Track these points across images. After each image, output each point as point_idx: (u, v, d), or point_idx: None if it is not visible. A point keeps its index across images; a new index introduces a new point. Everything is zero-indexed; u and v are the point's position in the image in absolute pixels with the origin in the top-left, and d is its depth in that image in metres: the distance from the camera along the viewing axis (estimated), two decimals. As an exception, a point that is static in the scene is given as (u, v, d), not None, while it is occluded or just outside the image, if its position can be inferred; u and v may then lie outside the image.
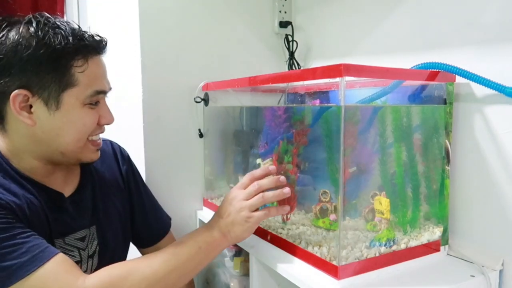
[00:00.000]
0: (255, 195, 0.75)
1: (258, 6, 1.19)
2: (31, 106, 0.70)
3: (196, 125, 1.11)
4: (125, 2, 1.11)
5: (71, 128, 0.73)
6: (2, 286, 0.63)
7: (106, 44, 0.77)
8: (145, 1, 1.02)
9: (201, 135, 1.12)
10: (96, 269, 0.83)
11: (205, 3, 1.11)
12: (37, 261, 0.65)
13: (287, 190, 0.75)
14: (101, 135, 0.89)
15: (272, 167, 0.79)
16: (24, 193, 0.73)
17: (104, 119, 0.78)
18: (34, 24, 0.69)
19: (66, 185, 0.82)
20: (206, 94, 1.08)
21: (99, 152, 0.81)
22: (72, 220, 0.79)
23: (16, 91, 0.68)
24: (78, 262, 0.79)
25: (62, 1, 1.88)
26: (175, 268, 0.70)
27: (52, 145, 0.74)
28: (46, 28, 0.69)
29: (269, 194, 0.75)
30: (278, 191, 0.75)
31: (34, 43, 0.68)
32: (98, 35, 0.76)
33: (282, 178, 0.76)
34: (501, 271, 0.72)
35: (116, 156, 0.93)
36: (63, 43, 0.69)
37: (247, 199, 0.75)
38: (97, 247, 0.84)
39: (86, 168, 0.86)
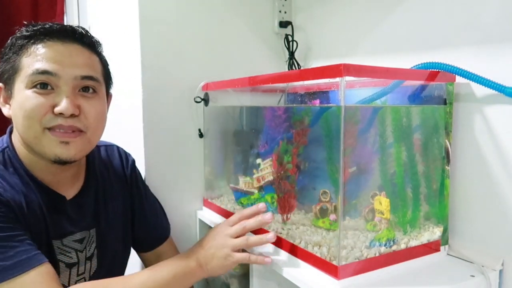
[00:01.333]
0: (241, 234, 0.76)
1: (258, 6, 1.19)
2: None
3: (196, 125, 1.11)
4: (125, 2, 1.11)
5: (19, 114, 0.71)
6: None
7: (70, 31, 0.75)
8: (145, 1, 1.02)
9: (201, 135, 1.12)
10: (95, 272, 0.83)
11: (205, 3, 1.11)
12: (20, 267, 0.65)
13: (269, 217, 0.75)
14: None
15: (262, 205, 0.78)
16: (27, 192, 0.73)
17: (57, 107, 0.71)
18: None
19: (71, 187, 0.82)
20: (206, 94, 1.08)
21: (69, 148, 0.73)
22: (71, 222, 0.79)
23: None
24: (75, 264, 0.80)
25: (62, 1, 1.87)
26: None
27: (20, 136, 0.75)
28: (24, 28, 0.75)
29: (254, 239, 0.75)
30: (261, 237, 0.75)
31: (8, 42, 0.75)
32: (68, 25, 0.76)
33: (267, 216, 0.75)
34: (501, 271, 0.72)
35: (122, 161, 0.94)
36: (17, 35, 0.74)
37: (232, 237, 0.75)
38: (95, 250, 0.84)
39: (91, 171, 0.86)
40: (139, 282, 0.71)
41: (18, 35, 0.74)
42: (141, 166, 1.04)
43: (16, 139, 0.77)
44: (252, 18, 1.19)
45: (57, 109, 0.71)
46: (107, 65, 0.84)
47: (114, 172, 0.91)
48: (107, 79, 0.83)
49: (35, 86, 0.71)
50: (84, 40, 0.77)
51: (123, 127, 1.11)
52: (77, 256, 0.80)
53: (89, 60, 0.76)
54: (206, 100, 1.08)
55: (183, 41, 1.08)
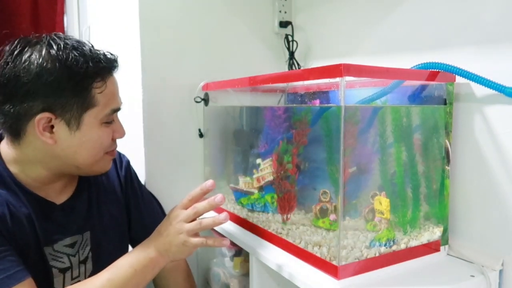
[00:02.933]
0: (194, 218, 0.75)
1: (258, 6, 1.19)
2: (52, 126, 0.72)
3: (196, 125, 1.11)
4: (125, 2, 1.11)
5: (89, 146, 0.75)
6: None
7: (117, 62, 0.79)
8: (145, 1, 1.02)
9: (201, 135, 1.12)
10: (91, 275, 0.83)
11: (205, 3, 1.11)
12: None
13: (219, 199, 0.74)
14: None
15: (210, 183, 0.76)
16: (13, 201, 0.73)
17: (117, 133, 0.80)
18: (55, 48, 0.71)
19: (62, 193, 0.82)
20: (206, 94, 1.08)
21: (111, 161, 0.84)
22: (61, 228, 0.79)
23: (40, 115, 0.70)
24: (69, 268, 0.80)
25: (62, 1, 1.87)
26: None
27: (69, 161, 0.76)
28: (67, 51, 0.71)
29: (207, 221, 0.74)
30: (214, 220, 0.73)
31: (57, 68, 0.69)
32: (110, 53, 0.78)
33: (218, 198, 0.73)
34: (501, 271, 0.72)
35: (115, 162, 0.94)
36: (84, 67, 0.71)
37: (187, 221, 0.74)
38: (90, 252, 0.83)
39: (84, 175, 0.86)
40: (99, 286, 0.71)
41: (79, 70, 0.71)
42: (141, 166, 1.04)
43: (5, 148, 0.77)
44: (252, 18, 1.19)
45: (118, 136, 0.81)
46: None
47: (107, 174, 0.91)
48: None
49: (107, 121, 0.77)
50: None
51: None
52: (69, 261, 0.80)
53: None
54: (206, 100, 1.08)
55: (183, 41, 1.08)
